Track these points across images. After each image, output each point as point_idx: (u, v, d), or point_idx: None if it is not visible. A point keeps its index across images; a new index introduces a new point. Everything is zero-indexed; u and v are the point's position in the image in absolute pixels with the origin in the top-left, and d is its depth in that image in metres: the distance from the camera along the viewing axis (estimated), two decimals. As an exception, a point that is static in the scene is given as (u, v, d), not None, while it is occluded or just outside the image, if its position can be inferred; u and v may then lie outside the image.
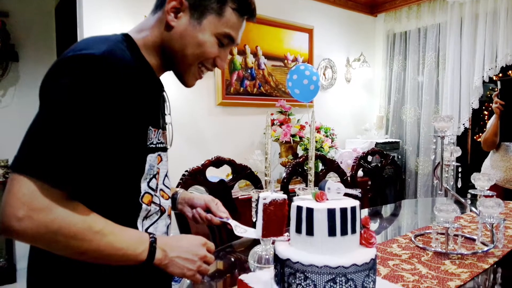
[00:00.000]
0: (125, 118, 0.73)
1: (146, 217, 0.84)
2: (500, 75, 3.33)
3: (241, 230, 0.96)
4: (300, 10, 3.43)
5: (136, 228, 0.81)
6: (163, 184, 0.91)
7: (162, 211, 0.89)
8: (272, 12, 3.18)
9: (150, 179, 0.84)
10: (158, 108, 0.89)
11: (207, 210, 1.03)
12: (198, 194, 1.09)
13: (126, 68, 0.74)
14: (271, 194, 0.87)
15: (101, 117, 0.69)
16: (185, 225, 1.40)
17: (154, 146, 0.84)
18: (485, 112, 4.10)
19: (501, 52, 3.08)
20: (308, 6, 3.49)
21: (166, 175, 0.94)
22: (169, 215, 0.94)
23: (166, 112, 0.95)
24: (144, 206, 0.82)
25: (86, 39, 0.76)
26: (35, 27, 3.10)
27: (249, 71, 3.09)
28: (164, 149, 0.92)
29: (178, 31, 0.83)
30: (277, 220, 0.87)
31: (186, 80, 0.89)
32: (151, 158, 0.83)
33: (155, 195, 0.86)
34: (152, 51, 0.85)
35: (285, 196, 0.88)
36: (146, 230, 0.83)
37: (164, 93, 0.93)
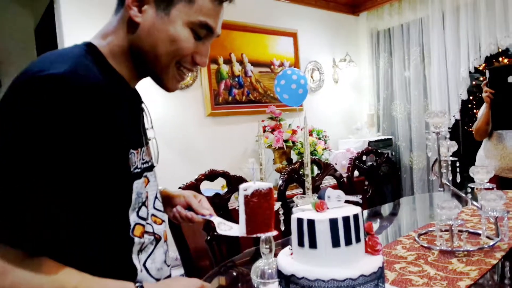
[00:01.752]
0: (99, 148, 0.63)
1: (141, 250, 0.74)
2: (484, 64, 3.36)
3: (225, 228, 0.85)
4: (282, 14, 3.43)
5: (133, 265, 0.72)
6: (154, 208, 0.82)
7: (157, 239, 0.79)
8: (255, 18, 3.17)
9: (139, 208, 0.74)
10: (138, 125, 0.79)
11: (189, 207, 0.94)
12: (178, 191, 1.01)
13: (93, 88, 0.63)
14: (253, 184, 0.75)
15: (66, 150, 0.58)
16: (181, 239, 1.36)
17: (139, 170, 0.74)
18: (473, 102, 4.12)
19: (484, 42, 3.10)
20: (290, 10, 3.49)
21: (156, 197, 0.83)
22: (166, 241, 0.85)
23: (147, 126, 0.84)
24: (136, 239, 0.72)
25: (43, 56, 0.66)
26: (15, 50, 3.05)
27: (236, 79, 3.07)
28: (150, 168, 0.82)
29: (145, 28, 0.71)
30: (262, 214, 0.75)
31: (166, 84, 0.78)
32: (137, 185, 0.73)
33: (147, 224, 0.77)
34: (121, 58, 0.74)
35: (270, 185, 0.76)
36: (144, 265, 0.75)
37: (142, 105, 0.83)
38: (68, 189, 0.60)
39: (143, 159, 0.77)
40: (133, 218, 0.72)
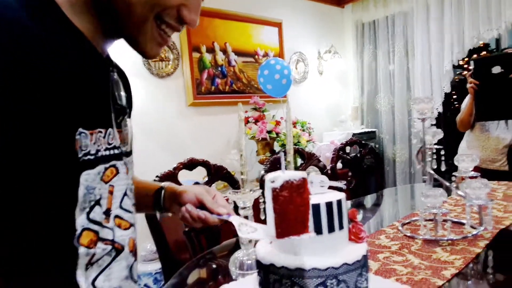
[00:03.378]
0: (18, 119, 0.45)
1: (91, 264, 0.56)
2: (467, 59, 3.38)
3: (247, 229, 0.70)
4: (267, 4, 3.36)
5: (76, 284, 0.54)
6: (121, 207, 0.63)
7: (118, 250, 0.61)
8: (240, 7, 3.10)
9: (91, 208, 0.55)
10: (104, 99, 0.60)
11: (201, 205, 0.78)
12: (188, 187, 0.85)
13: (11, 24, 0.46)
14: (283, 173, 0.60)
15: None
16: (159, 231, 1.30)
17: (92, 157, 0.55)
18: (454, 96, 4.16)
19: (468, 35, 3.11)
20: (275, -1, 3.44)
21: (125, 194, 0.64)
22: (133, 251, 0.66)
23: (120, 102, 0.65)
24: (82, 249, 0.54)
25: None
26: None
27: (219, 68, 3.00)
28: (121, 156, 0.63)
29: None
30: (295, 211, 0.61)
31: (143, 46, 0.60)
32: (87, 177, 0.54)
33: (105, 228, 0.58)
34: (81, 8, 0.56)
35: (304, 174, 0.61)
36: (93, 283, 0.57)
37: (113, 74, 0.64)
38: None
39: (109, 143, 0.60)
40: (80, 221, 0.54)
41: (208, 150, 2.88)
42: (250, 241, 0.92)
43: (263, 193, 1.19)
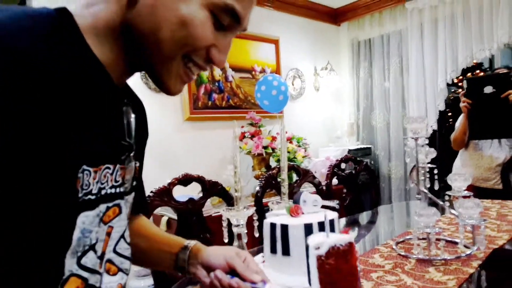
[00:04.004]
0: (18, 153, 0.41)
1: None
2: (461, 77, 3.43)
3: None
4: (265, 21, 3.42)
5: None
6: (114, 251, 0.58)
7: None
8: (237, 24, 3.14)
9: (84, 253, 0.50)
10: (113, 133, 0.56)
11: (232, 271, 0.71)
12: (216, 248, 0.77)
13: (22, 55, 0.42)
14: (326, 237, 0.54)
15: None
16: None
17: (94, 197, 0.51)
18: (450, 114, 4.21)
19: (461, 54, 3.17)
20: (272, 16, 3.49)
21: (122, 236, 0.59)
22: None
23: (129, 139, 0.60)
24: None
25: None
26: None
27: (216, 84, 3.02)
28: (122, 195, 0.58)
29: (147, 2, 0.51)
30: (343, 280, 0.54)
31: (166, 83, 0.57)
32: (85, 220, 0.49)
33: (96, 275, 0.53)
34: (107, 38, 0.53)
35: (350, 238, 0.55)
36: None
37: (127, 108, 0.60)
38: None
39: (115, 181, 0.55)
40: (69, 265, 0.49)
41: (204, 165, 2.88)
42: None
43: (257, 211, 1.19)
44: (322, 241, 0.54)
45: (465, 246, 1.12)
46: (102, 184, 0.53)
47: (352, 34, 4.06)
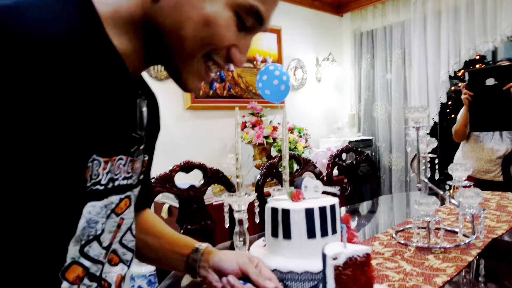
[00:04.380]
0: (33, 138, 0.41)
1: None
2: (462, 71, 3.42)
3: None
4: (267, 10, 3.39)
5: None
6: (120, 242, 0.58)
7: (104, 287, 0.55)
8: (239, 13, 3.12)
9: (88, 243, 0.50)
10: (127, 125, 0.56)
11: (244, 276, 0.70)
12: (227, 252, 0.75)
13: (56, 45, 0.42)
14: (343, 247, 0.54)
15: None
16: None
17: (102, 187, 0.50)
18: (451, 107, 4.20)
19: (464, 47, 3.15)
20: (275, 6, 3.46)
21: (130, 228, 0.60)
22: (119, 286, 0.59)
23: (140, 131, 0.59)
24: (65, 284, 0.48)
25: None
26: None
27: (218, 73, 3.01)
28: (131, 188, 0.59)
29: (171, 0, 0.51)
30: None
31: (185, 80, 0.56)
32: (91, 209, 0.49)
33: (97, 264, 0.53)
34: (127, 30, 0.52)
35: (368, 249, 0.56)
36: None
37: (140, 100, 0.59)
38: None
39: (127, 172, 0.56)
40: (72, 253, 0.48)
41: (205, 153, 2.88)
42: (244, 243, 0.93)
43: (258, 197, 1.19)
44: (339, 252, 0.54)
45: (464, 235, 1.13)
46: (116, 175, 0.53)
47: (355, 25, 4.03)
